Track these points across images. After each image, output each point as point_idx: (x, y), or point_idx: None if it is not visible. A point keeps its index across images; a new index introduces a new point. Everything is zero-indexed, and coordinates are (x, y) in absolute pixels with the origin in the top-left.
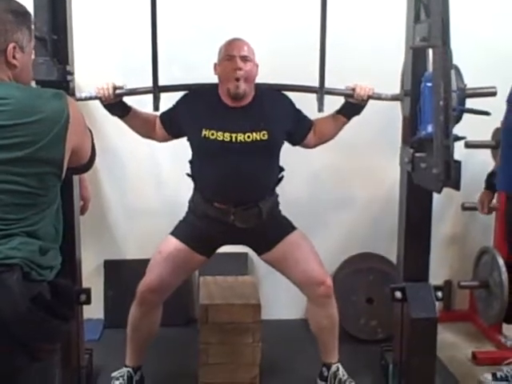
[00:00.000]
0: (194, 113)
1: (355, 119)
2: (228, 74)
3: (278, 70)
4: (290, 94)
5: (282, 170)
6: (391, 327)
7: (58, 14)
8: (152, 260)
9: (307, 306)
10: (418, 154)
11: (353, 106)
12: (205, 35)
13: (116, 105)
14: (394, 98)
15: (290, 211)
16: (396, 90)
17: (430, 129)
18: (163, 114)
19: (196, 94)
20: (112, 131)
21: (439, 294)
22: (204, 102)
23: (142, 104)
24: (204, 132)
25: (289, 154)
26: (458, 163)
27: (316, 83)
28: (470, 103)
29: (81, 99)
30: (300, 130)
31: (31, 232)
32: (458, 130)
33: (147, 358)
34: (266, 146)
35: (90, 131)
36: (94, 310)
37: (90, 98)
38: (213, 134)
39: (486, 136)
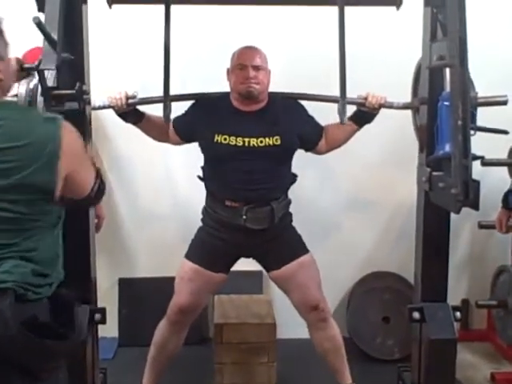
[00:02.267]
0: (206, 118)
1: (377, 137)
2: (240, 82)
3: (295, 79)
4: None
5: (295, 176)
6: (408, 347)
7: (75, 34)
8: (176, 285)
9: (309, 331)
10: (435, 173)
11: (364, 114)
12: (220, 48)
13: (129, 113)
14: (405, 107)
15: (308, 229)
16: None
17: (447, 148)
18: (176, 119)
19: (208, 101)
20: (123, 140)
21: (458, 314)
22: (216, 107)
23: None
24: (216, 137)
25: (309, 175)
26: (477, 183)
27: (332, 93)
28: (488, 120)
29: (94, 108)
30: (312, 136)
31: (26, 257)
32: (474, 147)
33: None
34: (278, 151)
35: (98, 169)
36: (108, 329)
37: (104, 107)
38: (225, 139)
39: (503, 154)
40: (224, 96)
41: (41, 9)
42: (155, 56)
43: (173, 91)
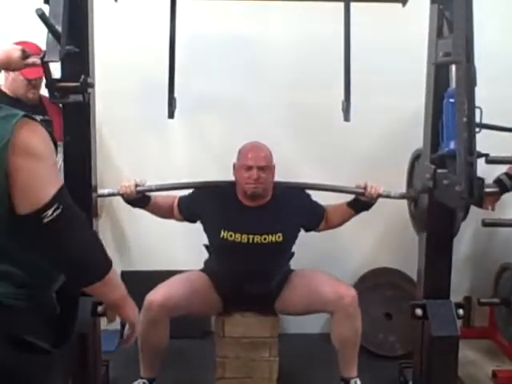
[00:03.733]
0: (212, 210)
1: (379, 133)
2: (245, 182)
3: (301, 81)
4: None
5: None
6: (410, 343)
7: (80, 27)
8: (173, 278)
9: (331, 319)
10: (440, 171)
11: (362, 203)
12: (224, 42)
13: (137, 199)
14: (402, 197)
15: None
16: (417, 102)
17: (452, 145)
18: (181, 200)
19: (213, 190)
20: None
21: (460, 311)
22: (221, 199)
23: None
24: (222, 233)
25: (310, 172)
26: (481, 180)
27: (339, 93)
28: (493, 117)
29: (103, 195)
30: (314, 222)
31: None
32: (479, 145)
33: (163, 370)
34: (280, 247)
35: (62, 188)
36: None
37: (113, 195)
38: (231, 236)
39: (507, 151)
40: (229, 186)
41: (46, 1)
42: (160, 49)
43: (176, 85)
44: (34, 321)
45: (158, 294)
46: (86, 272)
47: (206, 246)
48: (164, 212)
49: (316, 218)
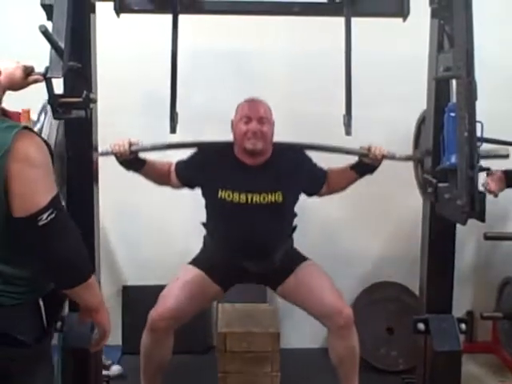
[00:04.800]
0: (210, 171)
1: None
2: (245, 135)
3: (301, 94)
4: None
5: (295, 215)
6: (412, 358)
7: (82, 43)
8: (168, 287)
9: (328, 337)
10: (441, 185)
11: (366, 166)
12: (224, 56)
13: (131, 160)
14: (407, 158)
15: (312, 239)
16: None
17: (453, 159)
18: (179, 165)
19: (211, 151)
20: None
21: (463, 326)
22: (220, 159)
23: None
24: (220, 193)
25: None
26: (483, 194)
27: (338, 106)
28: (494, 131)
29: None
30: (315, 185)
31: None
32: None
33: None
34: (280, 207)
35: (57, 195)
36: (112, 337)
37: (107, 154)
38: (229, 196)
39: (508, 165)
40: (227, 146)
41: (50, 18)
42: (161, 64)
43: (177, 99)
44: (17, 317)
45: (161, 312)
46: (71, 273)
47: (204, 224)
48: (160, 176)
49: (317, 182)
